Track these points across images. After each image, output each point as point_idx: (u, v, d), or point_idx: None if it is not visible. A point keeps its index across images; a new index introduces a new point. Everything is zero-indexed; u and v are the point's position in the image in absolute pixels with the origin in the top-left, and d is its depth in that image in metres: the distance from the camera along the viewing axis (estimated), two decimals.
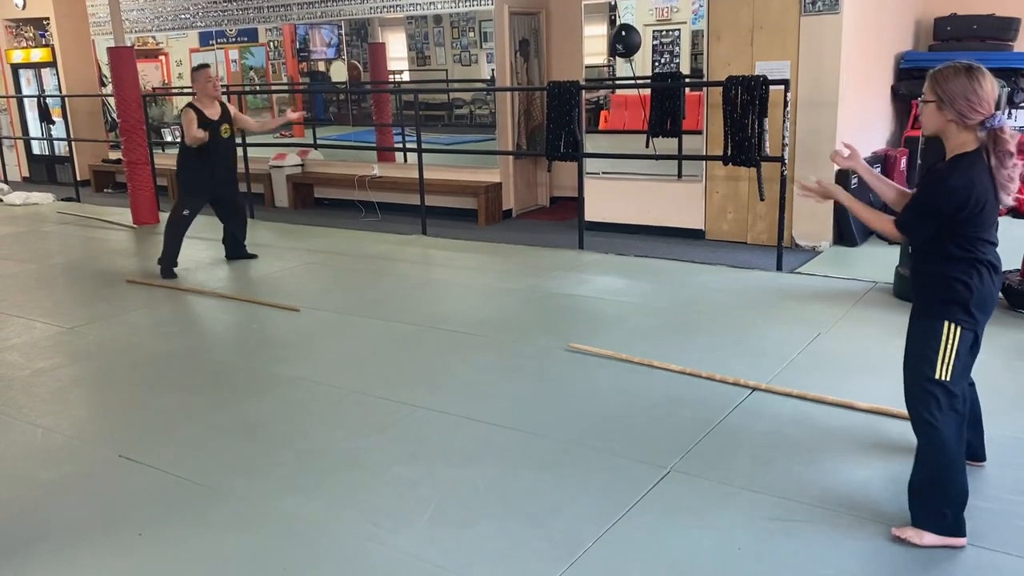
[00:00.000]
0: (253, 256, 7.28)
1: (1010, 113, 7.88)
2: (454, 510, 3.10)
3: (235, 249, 7.25)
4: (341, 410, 4.04)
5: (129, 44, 9.48)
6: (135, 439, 3.80)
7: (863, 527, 2.89)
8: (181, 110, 6.89)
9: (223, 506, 3.20)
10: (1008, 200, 2.69)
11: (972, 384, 3.08)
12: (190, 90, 11.00)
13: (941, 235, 2.68)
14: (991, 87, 2.65)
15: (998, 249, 2.74)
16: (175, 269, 6.76)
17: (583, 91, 7.19)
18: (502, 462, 3.45)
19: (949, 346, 2.70)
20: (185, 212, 6.80)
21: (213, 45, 10.77)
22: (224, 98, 7.17)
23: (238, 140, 7.57)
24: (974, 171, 2.62)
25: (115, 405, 4.28)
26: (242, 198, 7.36)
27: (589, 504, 3.09)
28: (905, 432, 3.56)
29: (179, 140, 7.19)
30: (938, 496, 2.75)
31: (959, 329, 2.69)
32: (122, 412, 4.16)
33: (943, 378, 2.72)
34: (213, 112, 6.75)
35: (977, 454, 3.23)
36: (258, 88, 10.69)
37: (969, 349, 2.75)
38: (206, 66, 7.06)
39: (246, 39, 10.47)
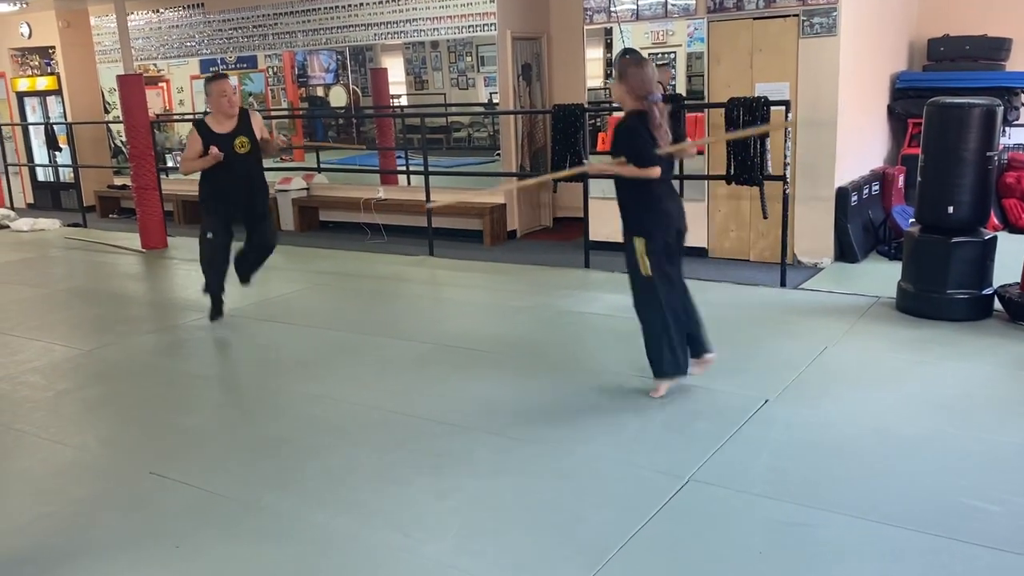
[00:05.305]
0: (246, 282, 6.19)
1: (1005, 131, 8.05)
2: (482, 520, 3.20)
3: (240, 267, 6.11)
4: (363, 426, 4.13)
5: (137, 71, 9.63)
6: (164, 456, 3.88)
7: (878, 530, 2.99)
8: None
9: (256, 519, 3.29)
10: (663, 146, 4.01)
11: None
12: (191, 116, 11.28)
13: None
14: (651, 72, 3.99)
15: None
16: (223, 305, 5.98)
17: (587, 113, 7.33)
18: (526, 474, 3.55)
19: (642, 254, 4.07)
20: (208, 235, 5.83)
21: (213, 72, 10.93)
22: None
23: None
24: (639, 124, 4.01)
25: (140, 424, 4.36)
26: (271, 228, 6.13)
27: (612, 514, 3.19)
28: (913, 440, 3.68)
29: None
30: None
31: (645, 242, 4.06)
32: (148, 431, 4.25)
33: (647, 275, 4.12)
34: (225, 126, 5.65)
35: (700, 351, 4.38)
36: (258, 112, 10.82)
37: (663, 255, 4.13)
38: (222, 77, 5.87)
39: (246, 65, 10.64)
